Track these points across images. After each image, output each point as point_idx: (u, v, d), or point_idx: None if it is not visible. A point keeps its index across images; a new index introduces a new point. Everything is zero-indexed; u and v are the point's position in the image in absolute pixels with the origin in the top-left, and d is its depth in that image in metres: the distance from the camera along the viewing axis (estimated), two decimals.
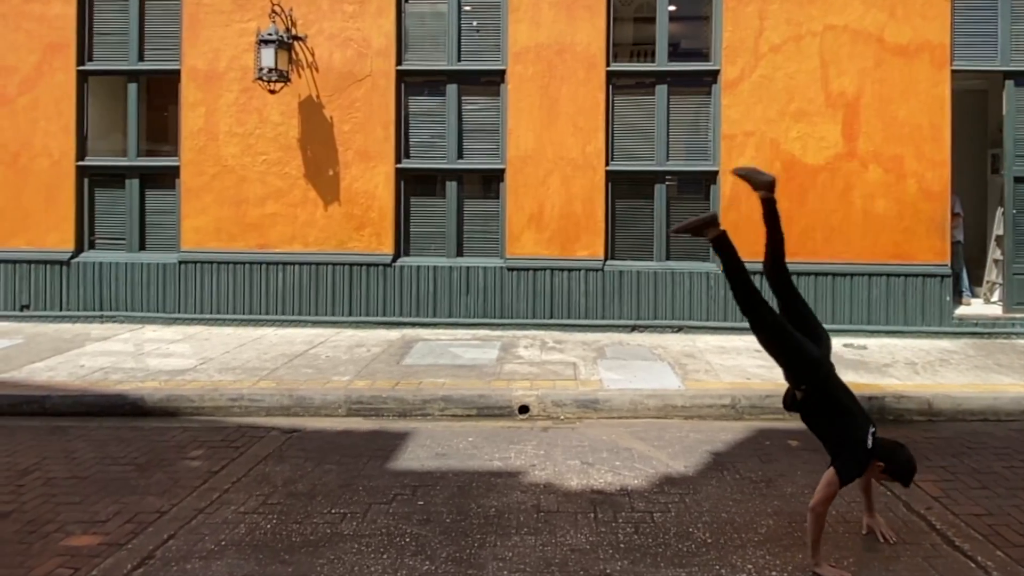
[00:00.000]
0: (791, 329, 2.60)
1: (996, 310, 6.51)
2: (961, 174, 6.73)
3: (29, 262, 6.57)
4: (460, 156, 6.53)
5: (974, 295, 6.99)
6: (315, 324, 6.40)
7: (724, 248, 2.64)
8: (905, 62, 6.12)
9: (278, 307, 6.45)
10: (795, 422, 4.23)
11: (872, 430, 2.55)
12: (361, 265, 6.44)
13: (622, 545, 2.72)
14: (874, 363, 5.25)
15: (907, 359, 5.38)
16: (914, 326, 6.14)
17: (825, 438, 2.64)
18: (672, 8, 6.38)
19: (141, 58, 6.60)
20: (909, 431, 4.07)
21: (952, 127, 6.12)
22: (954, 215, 6.70)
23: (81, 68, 6.57)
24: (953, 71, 6.11)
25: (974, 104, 7.54)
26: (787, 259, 2.78)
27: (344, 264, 6.45)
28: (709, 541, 2.77)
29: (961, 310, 6.47)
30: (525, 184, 6.36)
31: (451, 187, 6.52)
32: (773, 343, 2.64)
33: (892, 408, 4.33)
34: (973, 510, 3.03)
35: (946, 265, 6.16)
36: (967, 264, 7.07)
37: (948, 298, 6.17)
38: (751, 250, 6.14)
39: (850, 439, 2.53)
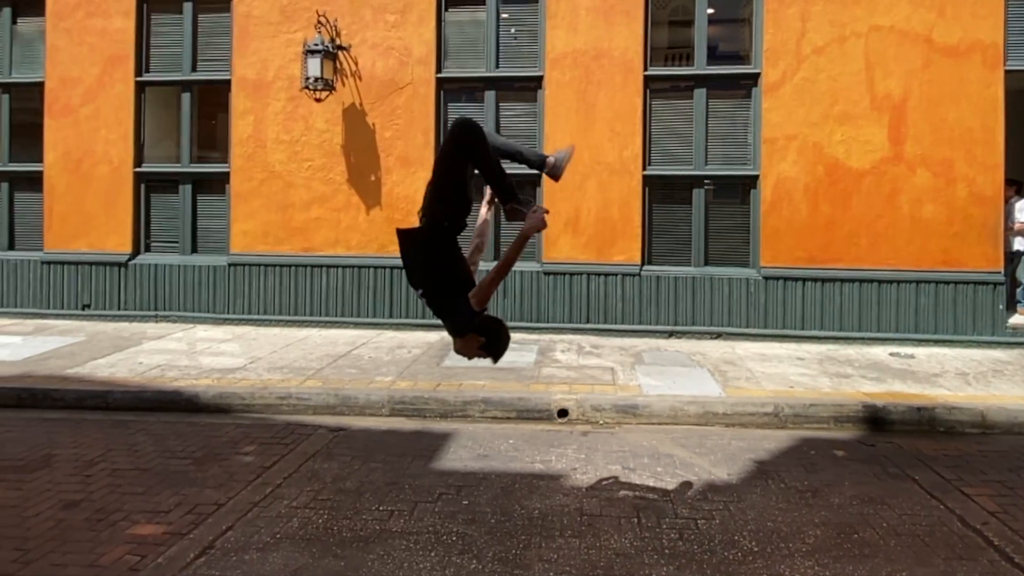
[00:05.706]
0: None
1: None
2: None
3: (90, 263, 6.92)
4: None
5: None
6: (357, 325, 6.56)
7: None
8: (955, 63, 5.94)
9: (322, 309, 6.64)
10: (841, 431, 4.20)
11: None
12: (401, 268, 6.54)
13: (667, 551, 2.73)
14: (923, 373, 5.10)
15: (957, 369, 5.22)
16: (964, 335, 5.94)
17: None
18: (711, 11, 6.34)
19: (194, 69, 6.89)
20: (961, 443, 3.96)
21: (1006, 129, 5.92)
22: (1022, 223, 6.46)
23: (139, 79, 6.88)
24: (1007, 71, 5.90)
25: None
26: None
27: (385, 267, 6.59)
28: (756, 550, 2.75)
29: (1015, 319, 6.23)
30: (562, 189, 6.38)
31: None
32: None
33: (943, 419, 4.21)
34: None
35: (999, 273, 5.94)
36: None
37: (1001, 307, 5.95)
38: (793, 256, 6.15)
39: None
